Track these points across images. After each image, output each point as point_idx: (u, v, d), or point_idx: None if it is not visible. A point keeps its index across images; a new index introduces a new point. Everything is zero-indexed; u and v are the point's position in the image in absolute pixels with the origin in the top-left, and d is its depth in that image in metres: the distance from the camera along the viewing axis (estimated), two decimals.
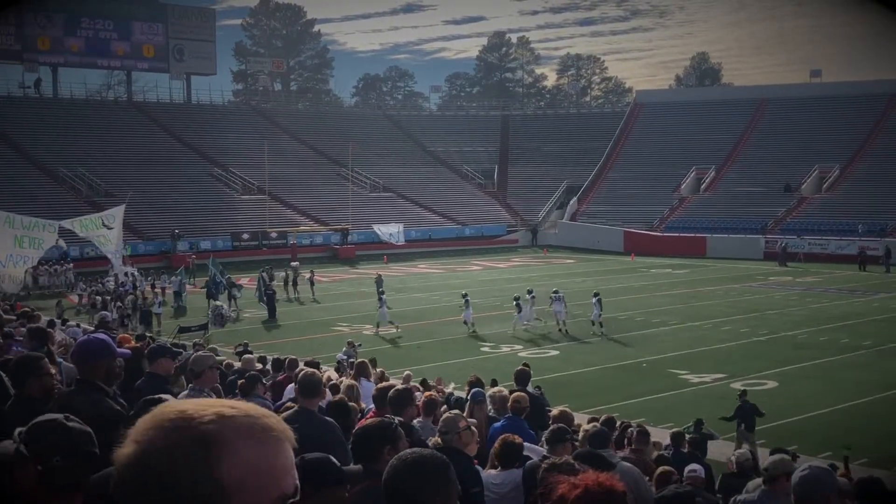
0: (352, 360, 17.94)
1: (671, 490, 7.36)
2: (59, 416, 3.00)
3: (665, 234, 62.95)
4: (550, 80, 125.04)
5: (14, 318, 15.06)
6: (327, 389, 8.97)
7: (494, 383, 14.34)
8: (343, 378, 12.78)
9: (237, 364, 15.38)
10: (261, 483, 1.34)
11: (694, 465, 9.30)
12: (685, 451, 11.60)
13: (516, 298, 30.70)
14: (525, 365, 12.18)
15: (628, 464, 7.57)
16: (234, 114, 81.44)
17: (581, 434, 7.95)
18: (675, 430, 13.68)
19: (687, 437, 12.47)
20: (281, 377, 13.06)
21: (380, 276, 39.41)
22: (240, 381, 10.39)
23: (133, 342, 11.64)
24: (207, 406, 1.36)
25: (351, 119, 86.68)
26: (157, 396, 4.16)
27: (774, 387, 22.29)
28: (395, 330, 30.51)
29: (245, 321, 34.30)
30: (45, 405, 4.28)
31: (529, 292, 31.29)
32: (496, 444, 6.53)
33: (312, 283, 40.70)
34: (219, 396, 8.81)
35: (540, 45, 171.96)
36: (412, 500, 2.77)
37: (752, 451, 15.58)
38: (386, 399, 6.80)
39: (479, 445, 6.32)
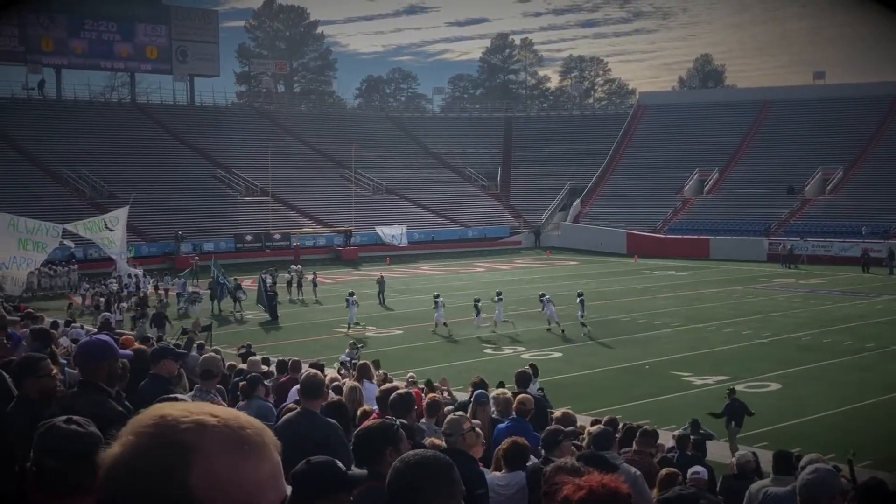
0: (354, 361, 17.92)
1: (675, 492, 7.33)
2: (60, 418, 2.98)
3: (668, 236, 62.88)
4: (553, 81, 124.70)
5: (18, 318, 15.05)
6: (330, 391, 8.96)
7: (501, 385, 14.30)
8: (346, 380, 12.75)
9: (240, 365, 15.35)
10: (232, 496, 1.31)
11: (697, 467, 9.26)
12: (689, 453, 11.57)
13: (476, 301, 30.82)
14: (531, 366, 12.14)
15: (629, 465, 7.55)
16: (237, 115, 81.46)
17: (586, 436, 7.95)
18: (679, 432, 13.65)
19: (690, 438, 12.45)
20: (284, 379, 13.03)
21: (382, 277, 39.48)
22: (241, 383, 10.35)
23: (136, 343, 11.61)
24: (190, 412, 1.35)
25: (354, 121, 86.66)
26: (171, 396, 4.13)
27: (777, 389, 22.30)
28: (363, 329, 30.95)
29: (248, 323, 34.40)
30: (46, 407, 4.27)
31: (498, 294, 31.38)
32: (503, 446, 6.52)
33: (315, 285, 40.81)
34: (223, 398, 8.81)
35: (543, 47, 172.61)
36: (415, 502, 2.76)
37: (732, 446, 15.78)
38: (388, 402, 6.81)
39: (484, 447, 6.32)
